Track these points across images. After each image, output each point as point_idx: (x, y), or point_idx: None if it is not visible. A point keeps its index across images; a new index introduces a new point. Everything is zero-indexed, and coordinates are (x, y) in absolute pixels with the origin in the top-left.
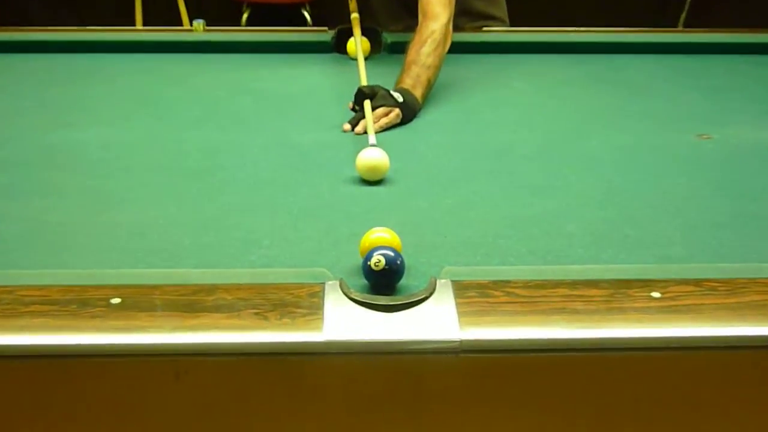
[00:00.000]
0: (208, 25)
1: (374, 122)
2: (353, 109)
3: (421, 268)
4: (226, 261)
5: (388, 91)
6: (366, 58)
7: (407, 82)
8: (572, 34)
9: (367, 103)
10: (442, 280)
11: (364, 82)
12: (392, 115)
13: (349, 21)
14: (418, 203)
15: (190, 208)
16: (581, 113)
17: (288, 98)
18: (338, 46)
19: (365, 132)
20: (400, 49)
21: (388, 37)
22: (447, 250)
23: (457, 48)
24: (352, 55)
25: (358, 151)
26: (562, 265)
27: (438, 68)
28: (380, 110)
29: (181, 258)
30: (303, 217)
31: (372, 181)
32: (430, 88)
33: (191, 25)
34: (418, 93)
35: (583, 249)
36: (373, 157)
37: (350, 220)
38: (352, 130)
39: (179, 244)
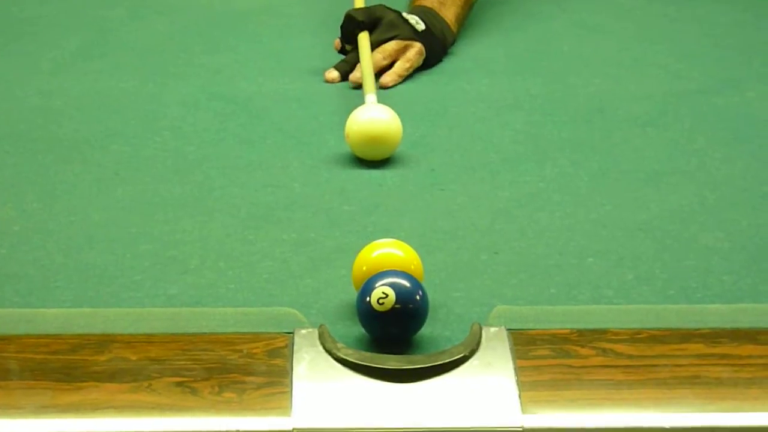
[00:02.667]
0: None
1: (380, 67)
2: (342, 51)
3: (456, 306)
4: (127, 294)
5: (400, 15)
6: None
7: None
8: None
9: (363, 38)
10: (493, 329)
11: (359, 2)
12: (410, 54)
13: None
14: (450, 198)
15: (66, 205)
16: (730, 47)
17: (233, 21)
18: None
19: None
20: None
21: None
22: (499, 277)
23: None
24: None
25: (350, 111)
26: (695, 305)
27: None
28: (390, 46)
29: (52, 289)
30: (257, 222)
31: (373, 160)
32: (470, 6)
33: None
34: (449, 15)
35: (731, 277)
36: (374, 120)
37: (336, 226)
38: (344, 79)
39: (48, 265)
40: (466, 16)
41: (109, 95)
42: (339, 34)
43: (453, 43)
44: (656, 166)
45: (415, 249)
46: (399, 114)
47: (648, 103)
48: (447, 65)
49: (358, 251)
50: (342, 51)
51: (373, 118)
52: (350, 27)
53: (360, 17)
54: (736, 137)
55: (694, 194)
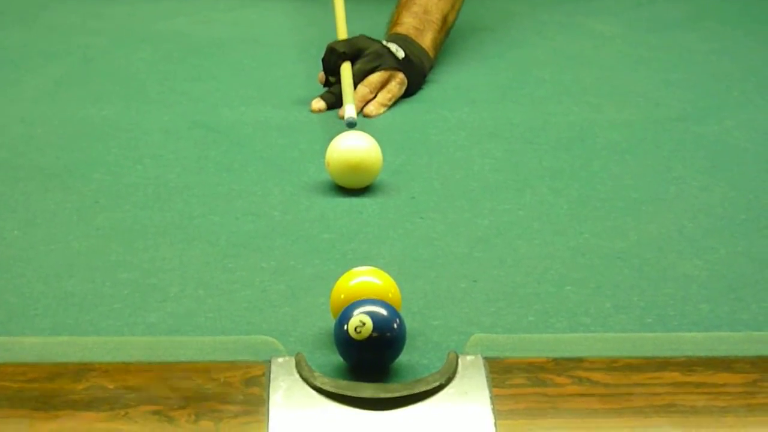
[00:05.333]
0: None
1: (366, 100)
2: (327, 84)
3: (434, 335)
4: (106, 323)
5: (381, 43)
6: None
7: (408, 23)
8: None
9: (345, 68)
10: (469, 357)
11: (342, 33)
12: (392, 85)
13: None
14: (429, 226)
15: (46, 232)
16: (709, 75)
17: (215, 50)
18: None
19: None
20: None
21: None
22: (477, 306)
23: None
24: None
25: (331, 140)
26: (671, 333)
27: None
28: (375, 78)
29: (31, 317)
30: (236, 250)
31: (353, 188)
32: (447, 31)
33: None
34: (426, 41)
35: (709, 305)
36: (354, 148)
37: (315, 253)
38: (330, 109)
39: (27, 293)
40: (443, 41)
41: (91, 123)
42: (320, 64)
43: (431, 68)
44: (635, 194)
45: (394, 277)
46: (379, 142)
47: (627, 131)
48: (428, 93)
49: (337, 279)
50: (326, 84)
51: (353, 146)
52: (332, 59)
53: (341, 48)
54: (714, 165)
55: (672, 222)
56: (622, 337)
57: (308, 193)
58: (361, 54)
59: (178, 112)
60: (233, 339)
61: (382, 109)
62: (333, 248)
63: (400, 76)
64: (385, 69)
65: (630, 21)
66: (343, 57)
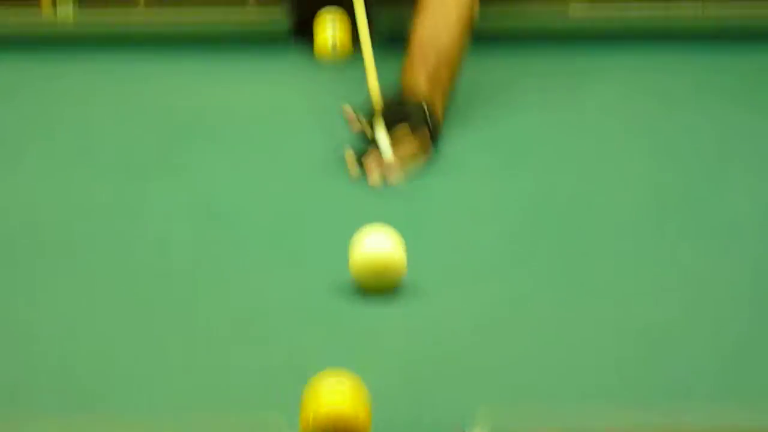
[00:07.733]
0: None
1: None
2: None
3: (439, 410)
4: (107, 403)
5: (422, 107)
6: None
7: (420, 79)
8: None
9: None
10: (477, 431)
11: (374, 89)
12: (420, 153)
13: None
14: (432, 302)
15: (49, 311)
16: (714, 146)
17: (222, 124)
18: (302, 31)
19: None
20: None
21: (386, 19)
22: (483, 382)
23: (495, 31)
24: (323, 53)
25: (341, 222)
26: (679, 408)
27: (463, 51)
28: (409, 144)
29: (35, 394)
30: (239, 334)
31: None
32: (451, 90)
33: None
34: (436, 100)
35: (718, 379)
36: (376, 251)
37: (318, 346)
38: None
39: (32, 371)
40: (450, 102)
41: (91, 204)
42: (330, 137)
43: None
44: (643, 271)
45: (401, 348)
46: (381, 217)
47: (636, 204)
48: (428, 164)
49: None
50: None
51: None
52: (377, 115)
53: (391, 107)
54: (722, 241)
55: (680, 303)
56: (628, 413)
57: (315, 275)
58: (409, 117)
59: (182, 189)
60: (239, 416)
61: (404, 175)
62: (328, 344)
63: (430, 146)
64: (415, 126)
65: (634, 91)
66: (393, 118)
